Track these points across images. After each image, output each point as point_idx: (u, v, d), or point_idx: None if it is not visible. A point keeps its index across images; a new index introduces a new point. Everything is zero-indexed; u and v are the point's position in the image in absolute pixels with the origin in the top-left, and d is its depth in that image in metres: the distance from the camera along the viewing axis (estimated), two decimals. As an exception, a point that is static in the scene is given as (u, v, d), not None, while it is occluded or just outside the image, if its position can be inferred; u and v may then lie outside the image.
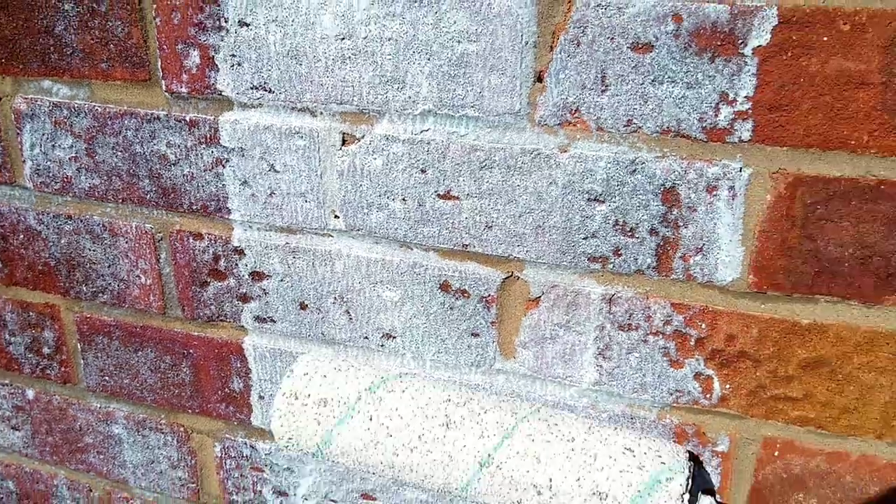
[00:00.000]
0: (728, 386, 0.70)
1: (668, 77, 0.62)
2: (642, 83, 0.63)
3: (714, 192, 0.65)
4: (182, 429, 0.94)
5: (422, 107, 0.69)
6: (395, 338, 0.79)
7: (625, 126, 0.65)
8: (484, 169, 0.70)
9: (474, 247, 0.73)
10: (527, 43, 0.65)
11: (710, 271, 0.67)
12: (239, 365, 0.86)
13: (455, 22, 0.66)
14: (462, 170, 0.70)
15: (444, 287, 0.75)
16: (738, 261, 0.66)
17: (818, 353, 0.67)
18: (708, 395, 0.71)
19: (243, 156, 0.76)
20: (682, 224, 0.66)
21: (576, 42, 0.64)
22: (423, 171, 0.71)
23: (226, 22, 0.71)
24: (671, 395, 0.72)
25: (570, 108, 0.66)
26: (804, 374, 0.68)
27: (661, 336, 0.70)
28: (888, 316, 0.64)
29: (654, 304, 0.70)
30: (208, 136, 0.76)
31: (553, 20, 0.64)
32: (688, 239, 0.67)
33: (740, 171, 0.63)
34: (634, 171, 0.66)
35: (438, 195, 0.72)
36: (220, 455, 0.92)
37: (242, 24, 0.71)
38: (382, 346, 0.80)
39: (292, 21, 0.69)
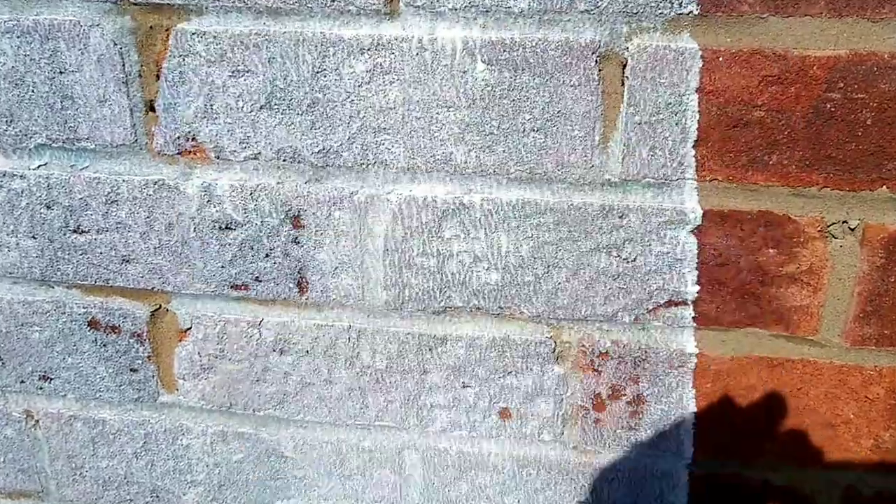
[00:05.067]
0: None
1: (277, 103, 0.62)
2: (250, 111, 0.62)
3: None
4: None
5: (36, 140, 0.65)
6: (52, 379, 0.75)
7: (242, 153, 0.64)
8: (111, 203, 0.67)
9: (117, 281, 0.70)
10: (130, 73, 0.62)
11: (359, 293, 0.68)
12: None
13: (55, 52, 0.62)
14: (89, 203, 0.67)
15: (93, 324, 0.72)
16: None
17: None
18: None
19: None
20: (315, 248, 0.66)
21: (179, 70, 0.62)
22: (48, 206, 0.67)
23: None
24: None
25: (187, 137, 0.64)
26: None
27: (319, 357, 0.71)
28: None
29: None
30: None
31: (154, 49, 0.62)
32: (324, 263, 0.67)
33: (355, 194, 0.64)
34: (258, 197, 0.65)
35: (70, 230, 0.68)
36: None
37: None
38: (41, 388, 0.76)
39: None
